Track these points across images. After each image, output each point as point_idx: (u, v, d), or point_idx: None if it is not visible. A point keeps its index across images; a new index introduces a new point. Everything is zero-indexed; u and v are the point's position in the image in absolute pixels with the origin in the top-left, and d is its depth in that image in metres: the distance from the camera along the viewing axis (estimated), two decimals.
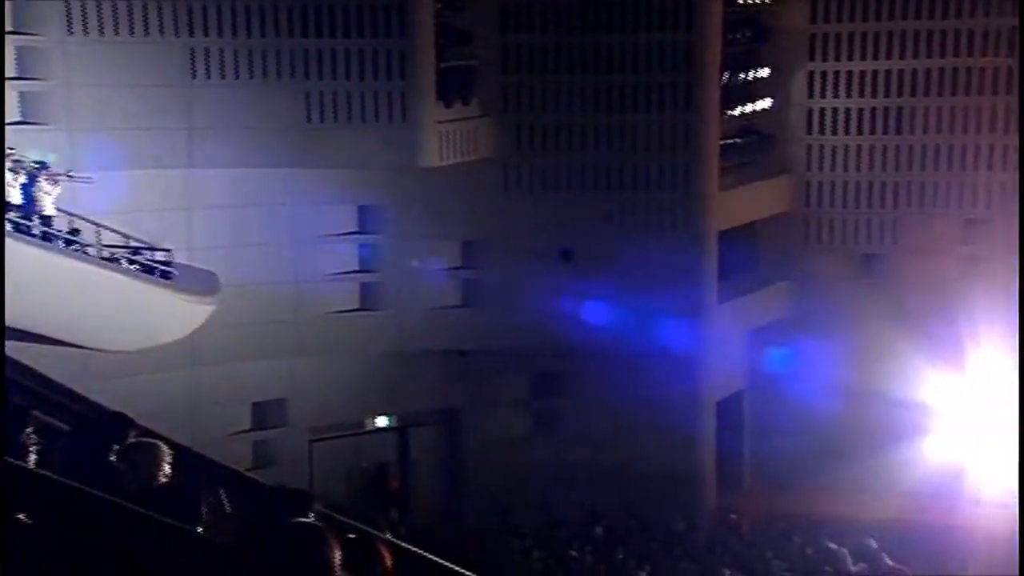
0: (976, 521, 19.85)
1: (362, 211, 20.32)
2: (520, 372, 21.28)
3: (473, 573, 8.55)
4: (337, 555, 4.71)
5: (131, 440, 6.03)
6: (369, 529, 8.36)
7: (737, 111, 21.25)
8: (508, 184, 20.60)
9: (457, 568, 8.47)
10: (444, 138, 19.20)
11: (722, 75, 20.42)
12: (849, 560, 18.57)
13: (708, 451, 21.06)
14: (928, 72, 20.87)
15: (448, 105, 19.38)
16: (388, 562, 5.93)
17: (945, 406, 21.01)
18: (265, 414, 19.95)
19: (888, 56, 21.03)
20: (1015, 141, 20.64)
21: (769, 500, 20.99)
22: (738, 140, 21.57)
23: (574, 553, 18.25)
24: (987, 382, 20.84)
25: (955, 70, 20.73)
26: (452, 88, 19.40)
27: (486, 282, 20.64)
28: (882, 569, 18.49)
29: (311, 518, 5.72)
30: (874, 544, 18.83)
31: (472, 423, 21.29)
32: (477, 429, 21.20)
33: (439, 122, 19.07)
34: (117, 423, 6.33)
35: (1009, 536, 19.63)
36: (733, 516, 20.23)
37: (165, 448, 5.94)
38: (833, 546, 18.94)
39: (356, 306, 20.42)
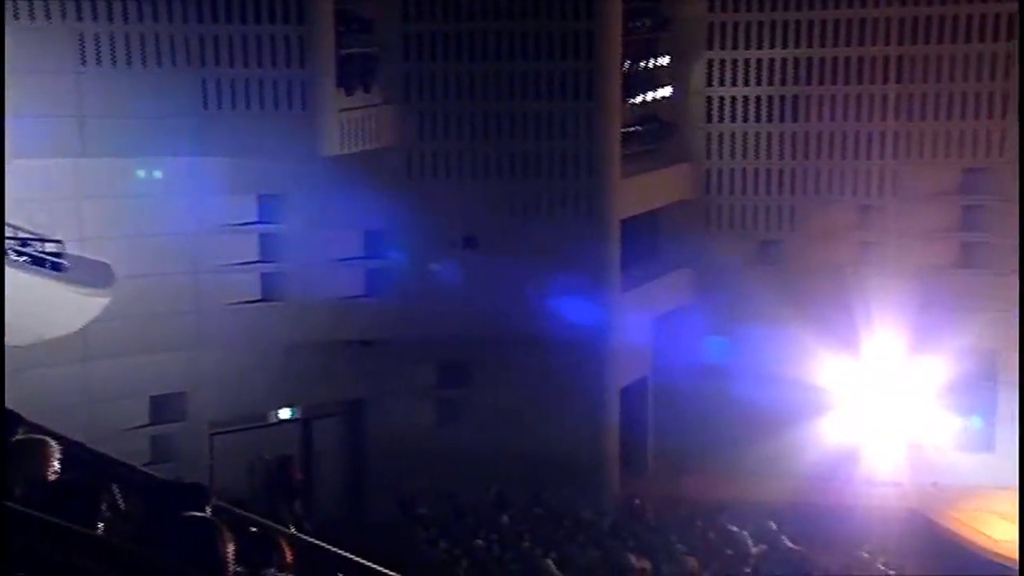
0: (871, 500, 20.34)
1: (263, 200, 20.01)
2: (425, 361, 21.20)
3: (377, 565, 8.48)
4: (230, 549, 4.60)
5: (17, 437, 5.82)
6: (270, 523, 8.23)
7: (638, 99, 21.40)
8: (411, 172, 20.49)
9: (361, 560, 8.38)
10: (346, 126, 19.01)
11: (623, 63, 20.54)
12: (750, 542, 18.87)
13: (613, 437, 21.22)
14: (823, 60, 21.24)
15: (349, 93, 19.18)
16: (288, 556, 5.84)
17: (841, 389, 21.47)
18: (163, 408, 19.55)
19: (784, 45, 21.36)
20: (906, 128, 21.16)
21: (672, 485, 21.24)
22: (639, 128, 21.72)
23: (480, 542, 18.23)
24: (880, 365, 21.35)
25: (847, 59, 21.12)
26: (353, 76, 19.20)
27: (390, 271, 20.51)
28: (781, 550, 18.83)
29: (207, 513, 5.59)
30: (773, 526, 19.18)
31: (377, 414, 21.15)
32: (382, 420, 21.07)
33: (341, 110, 18.86)
34: (5, 420, 6.11)
35: (901, 514, 20.24)
36: (637, 501, 20.41)
37: (53, 445, 5.74)
38: (734, 529, 19.22)
39: (257, 297, 20.12)
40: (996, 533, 19.53)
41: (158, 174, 18.80)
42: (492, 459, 20.11)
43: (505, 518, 19.27)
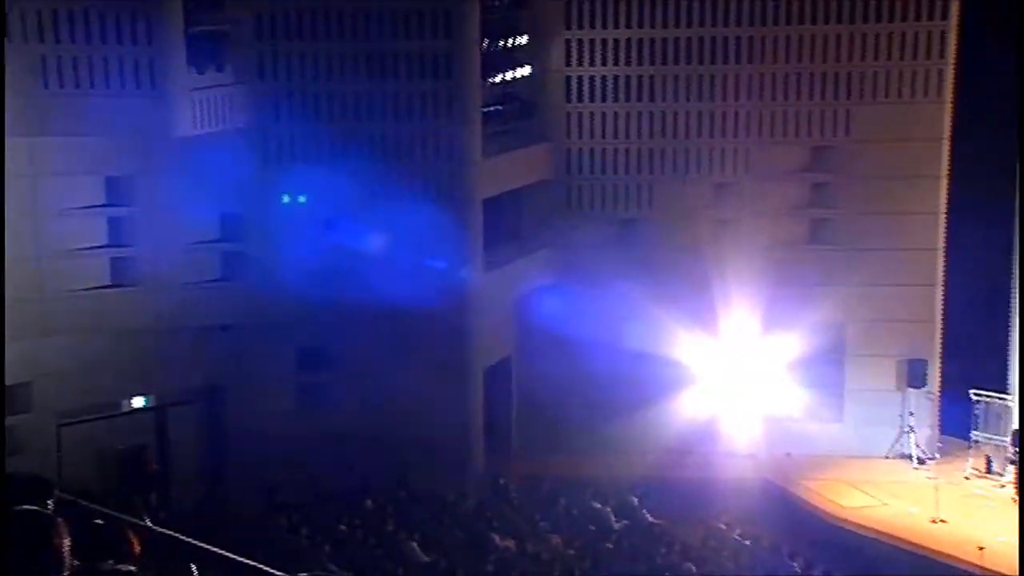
0: (728, 472, 20.81)
1: (111, 182, 19.31)
2: (284, 345, 20.76)
3: (238, 554, 8.24)
4: (67, 543, 4.37)
5: None
6: (120, 514, 7.92)
7: (498, 79, 21.33)
8: (268, 154, 20.02)
9: (218, 550, 8.14)
10: (198, 106, 18.46)
11: (482, 42, 20.43)
12: (612, 518, 19.11)
13: (477, 418, 21.19)
14: (678, 41, 21.50)
15: (201, 72, 18.63)
16: (136, 547, 5.60)
17: (698, 365, 21.88)
18: (8, 399, 18.71)
19: (640, 25, 21.55)
20: (758, 108, 21.60)
21: (536, 464, 21.34)
22: (500, 107, 21.66)
23: (343, 527, 18.01)
24: (736, 340, 21.82)
25: (702, 39, 21.43)
26: (204, 54, 18.65)
27: (246, 255, 20.03)
28: (643, 524, 19.12)
29: (50, 506, 5.32)
30: (635, 501, 19.46)
31: (235, 400, 20.66)
32: (241, 406, 20.58)
33: (192, 89, 18.30)
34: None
35: (757, 484, 20.76)
36: (501, 481, 20.45)
37: None
38: (597, 505, 19.46)
39: (107, 282, 19.43)
40: (845, 500, 20.17)
41: None
42: (355, 442, 19.87)
43: (369, 502, 19.08)
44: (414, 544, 17.44)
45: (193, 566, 6.51)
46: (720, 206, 22.06)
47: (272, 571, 7.13)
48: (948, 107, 20.80)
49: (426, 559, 17.39)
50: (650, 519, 19.44)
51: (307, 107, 19.96)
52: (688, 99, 21.64)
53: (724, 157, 21.86)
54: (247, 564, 8.10)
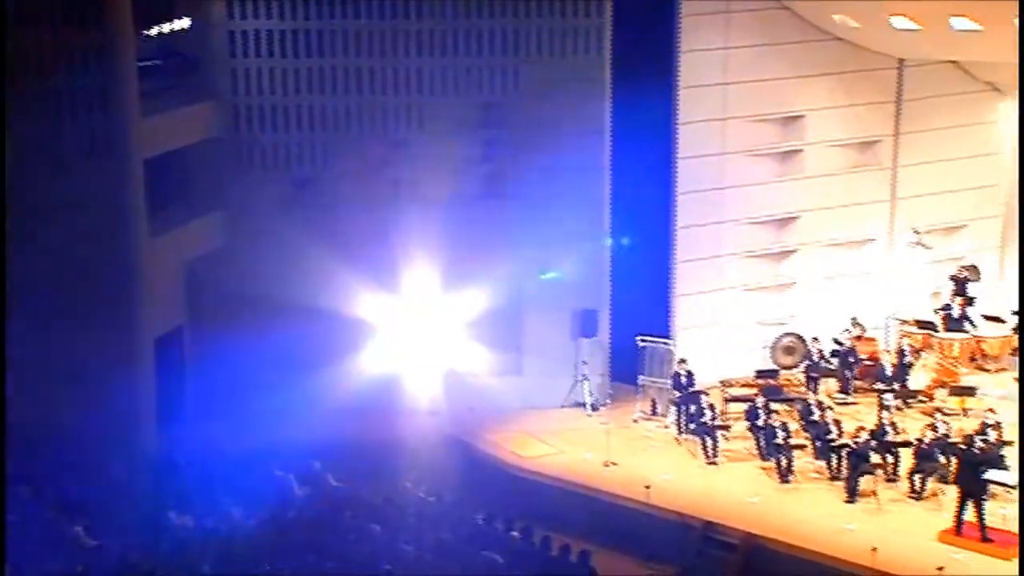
0: (412, 430, 20.83)
1: None
2: None
3: None
4: None
5: None
6: None
7: (154, 31, 20.10)
8: None
9: None
10: None
11: None
12: (295, 485, 18.67)
13: (148, 390, 20.11)
14: None
15: None
16: None
17: (380, 323, 21.73)
18: None
19: None
20: (428, 64, 21.50)
21: (214, 435, 20.50)
22: (159, 62, 20.47)
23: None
24: (417, 297, 21.81)
25: None
26: None
27: None
28: (327, 489, 18.80)
29: None
30: (318, 465, 19.10)
31: None
32: None
33: None
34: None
35: (440, 442, 20.91)
36: (176, 456, 19.54)
37: None
38: (280, 473, 18.94)
39: None
40: (525, 451, 20.59)
41: None
42: (28, 430, 18.35)
43: (25, 489, 17.70)
44: (78, 529, 16.38)
45: None
46: (395, 164, 21.82)
47: None
48: (607, 62, 21.38)
49: (93, 543, 16.37)
50: (333, 483, 19.13)
51: None
52: (358, 55, 21.23)
53: (397, 114, 21.62)
54: None
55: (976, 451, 17.26)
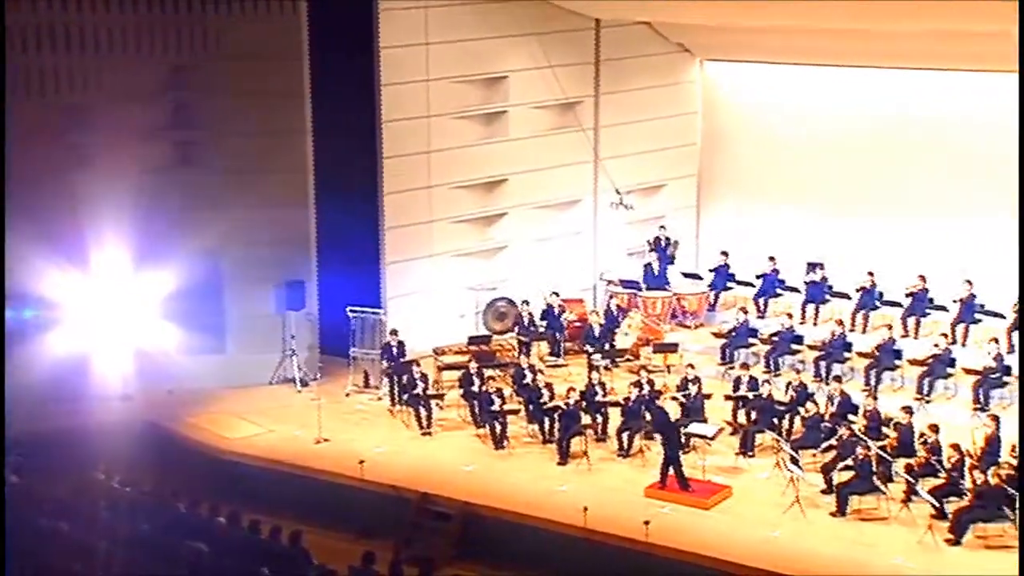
0: (104, 417, 19.44)
1: None
2: None
3: None
4: None
5: None
6: None
7: None
8: None
9: None
10: None
11: None
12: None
13: None
14: None
15: None
16: None
17: (68, 302, 20.11)
18: None
19: None
20: (106, 22, 19.89)
21: None
22: None
23: None
24: (108, 274, 20.31)
25: None
26: None
27: None
28: (8, 487, 17.13)
29: None
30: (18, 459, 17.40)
31: None
32: None
33: None
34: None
35: (137, 427, 19.59)
36: None
37: None
38: None
39: None
40: (231, 432, 19.58)
41: None
42: None
43: None
44: None
45: None
46: (75, 130, 20.15)
47: None
48: (304, 25, 20.46)
49: None
50: (15, 479, 17.47)
51: None
52: (19, 11, 19.37)
53: (74, 75, 19.95)
54: None
55: (678, 406, 17.61)
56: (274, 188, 20.74)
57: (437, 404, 19.70)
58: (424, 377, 19.79)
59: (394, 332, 20.72)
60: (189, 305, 20.48)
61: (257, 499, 17.21)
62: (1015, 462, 15.79)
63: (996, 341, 19.38)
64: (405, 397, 19.90)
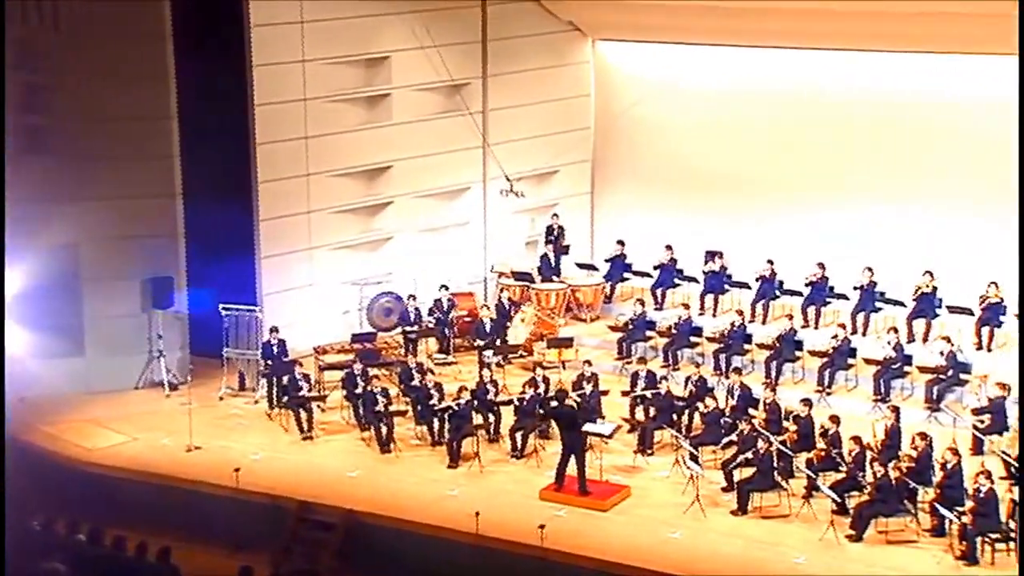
0: None
1: None
2: None
3: None
4: None
5: None
6: None
7: None
8: None
9: None
10: None
11: None
12: None
13: None
14: None
15: None
16: None
17: None
18: None
19: None
20: None
21: None
22: None
23: None
24: None
25: None
26: None
27: None
28: None
29: None
30: None
31: None
32: None
33: None
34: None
35: None
36: None
37: None
38: None
39: None
40: (92, 441, 18.39)
41: None
42: None
43: None
44: None
45: None
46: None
47: None
48: (167, 2, 19.12)
49: None
50: None
51: None
52: None
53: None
54: None
55: (573, 405, 16.84)
56: (137, 177, 19.50)
57: (319, 406, 18.85)
58: (305, 377, 18.77)
59: (274, 330, 19.62)
60: (42, 304, 18.99)
61: (121, 513, 16.20)
62: (915, 454, 15.58)
63: (895, 331, 19.06)
64: (285, 399, 18.75)
